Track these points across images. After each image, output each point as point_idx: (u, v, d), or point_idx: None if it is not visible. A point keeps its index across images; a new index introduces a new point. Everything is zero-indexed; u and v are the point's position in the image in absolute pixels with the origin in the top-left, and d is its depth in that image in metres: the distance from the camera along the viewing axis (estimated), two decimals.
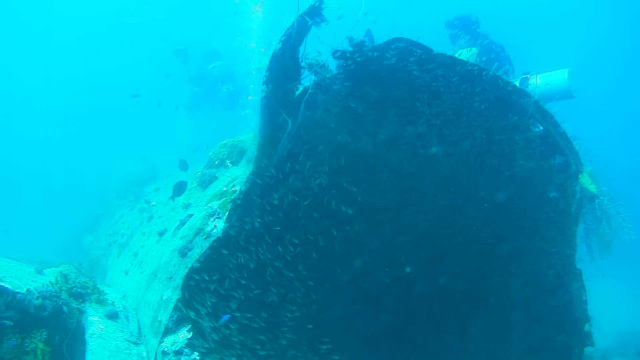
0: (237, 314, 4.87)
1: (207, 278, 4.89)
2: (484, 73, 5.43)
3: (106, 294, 6.35)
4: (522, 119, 5.63)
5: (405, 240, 5.72)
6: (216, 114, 18.52)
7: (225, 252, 4.87)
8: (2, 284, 5.73)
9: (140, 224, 8.82)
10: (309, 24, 5.28)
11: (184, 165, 8.86)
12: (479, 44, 8.57)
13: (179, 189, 7.26)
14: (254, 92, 17.23)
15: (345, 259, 5.48)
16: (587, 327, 6.82)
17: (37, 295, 5.74)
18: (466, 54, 8.34)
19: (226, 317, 4.67)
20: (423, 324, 5.87)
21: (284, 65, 5.40)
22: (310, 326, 5.27)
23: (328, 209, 5.37)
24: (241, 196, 5.17)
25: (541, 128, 5.74)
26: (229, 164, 7.20)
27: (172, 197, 7.09)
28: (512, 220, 5.86)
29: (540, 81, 8.01)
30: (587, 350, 6.81)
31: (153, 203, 9.22)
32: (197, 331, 4.78)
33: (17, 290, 5.72)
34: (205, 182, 7.14)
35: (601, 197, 6.78)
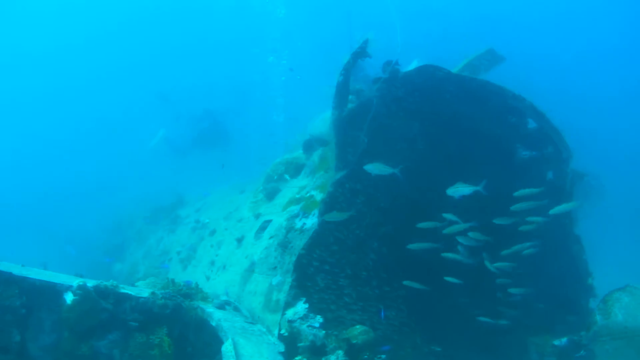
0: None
1: (315, 260, 6.30)
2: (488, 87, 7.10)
3: (207, 293, 7.58)
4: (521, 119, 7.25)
5: None
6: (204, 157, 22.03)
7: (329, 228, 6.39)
8: (126, 291, 6.88)
9: (202, 239, 10.03)
10: (357, 59, 6.94)
11: None
12: None
13: None
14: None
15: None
16: (589, 281, 8.29)
17: (161, 296, 6.92)
18: None
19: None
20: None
21: (344, 91, 6.98)
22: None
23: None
24: (328, 197, 6.61)
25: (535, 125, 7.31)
26: (288, 177, 8.57)
27: None
28: None
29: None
30: (592, 300, 8.23)
31: (207, 221, 10.46)
32: (313, 301, 6.16)
33: (139, 295, 6.88)
34: (271, 194, 8.50)
35: (589, 175, 8.42)
